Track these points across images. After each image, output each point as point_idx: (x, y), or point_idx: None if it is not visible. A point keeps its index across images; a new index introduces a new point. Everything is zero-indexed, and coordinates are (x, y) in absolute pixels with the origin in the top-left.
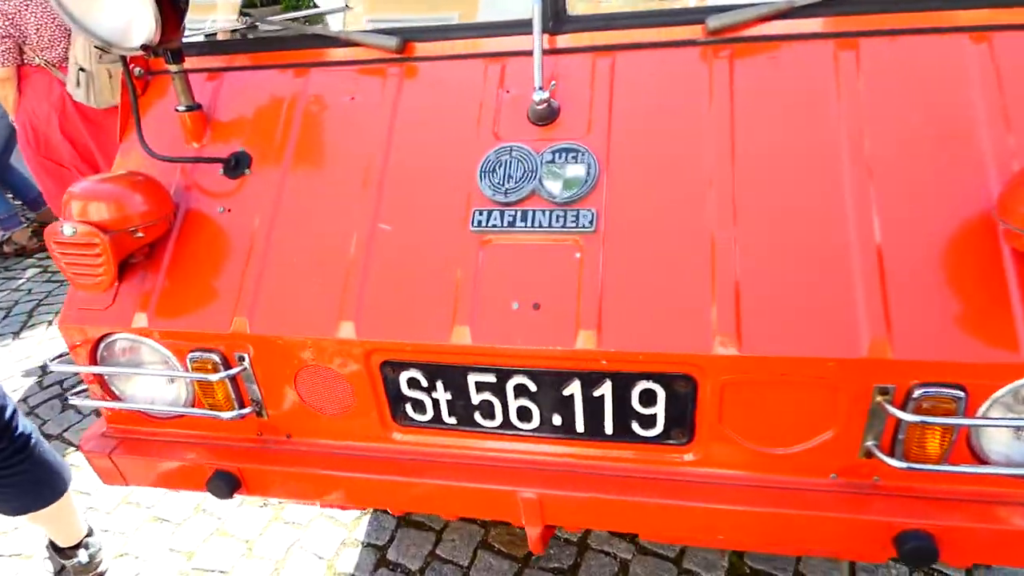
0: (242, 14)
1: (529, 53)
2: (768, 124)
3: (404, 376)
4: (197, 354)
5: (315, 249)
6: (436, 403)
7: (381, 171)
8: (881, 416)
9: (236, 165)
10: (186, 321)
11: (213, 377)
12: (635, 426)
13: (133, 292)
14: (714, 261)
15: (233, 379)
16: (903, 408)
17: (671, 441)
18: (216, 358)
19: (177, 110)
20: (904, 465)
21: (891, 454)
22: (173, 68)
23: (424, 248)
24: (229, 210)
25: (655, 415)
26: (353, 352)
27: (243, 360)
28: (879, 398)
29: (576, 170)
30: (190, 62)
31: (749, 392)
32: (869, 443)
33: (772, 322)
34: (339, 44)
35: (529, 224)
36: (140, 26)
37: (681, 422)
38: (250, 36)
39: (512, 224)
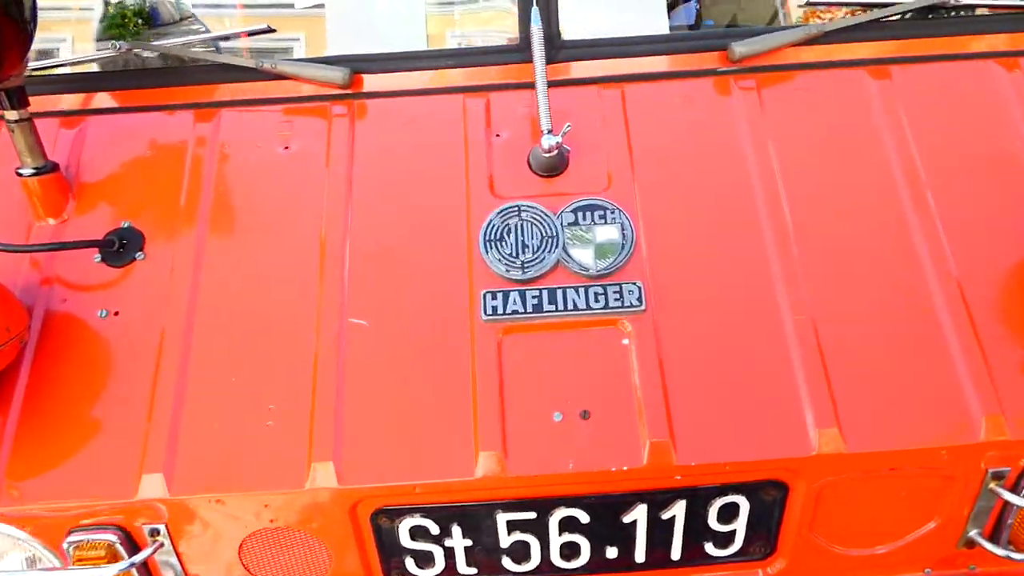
0: (110, 37)
1: (513, 86)
2: (814, 164)
3: (406, 525)
4: (81, 536)
5: (260, 361)
6: (450, 552)
7: (341, 245)
8: (990, 502)
9: (122, 248)
10: (59, 487)
11: (110, 570)
12: (708, 546)
13: None
14: (795, 343)
15: (144, 564)
16: (1015, 491)
17: (750, 557)
18: (113, 538)
19: (19, 174)
20: (1006, 553)
21: (994, 542)
22: (11, 116)
23: (420, 348)
24: (117, 313)
25: (734, 531)
26: (332, 505)
27: (158, 536)
28: (992, 483)
29: (608, 233)
30: (36, 103)
31: (846, 491)
32: (972, 532)
33: (873, 412)
34: (263, 77)
35: (561, 307)
36: None
37: (764, 534)
38: (127, 67)
39: (539, 308)
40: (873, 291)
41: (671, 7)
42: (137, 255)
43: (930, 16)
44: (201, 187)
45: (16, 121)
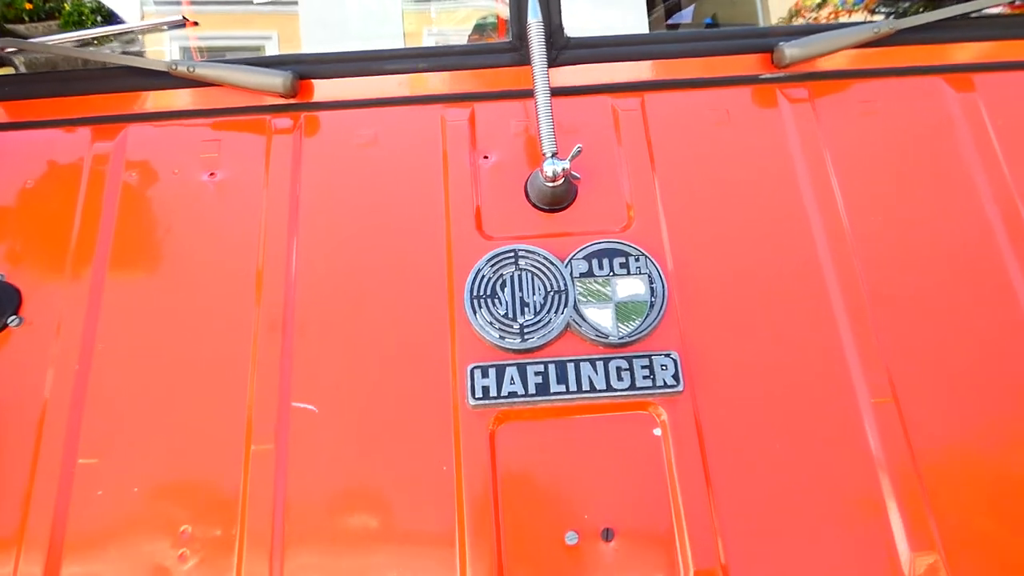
0: None
1: (504, 95)
2: (886, 196)
3: None
4: None
5: (172, 463)
6: None
7: (282, 303)
8: None
9: None
10: None
11: None
12: None
13: None
14: (875, 436)
15: None
16: None
17: None
18: None
19: None
20: None
21: None
22: None
23: (387, 443)
24: None
25: None
26: None
27: None
28: None
29: (631, 287)
30: None
31: None
32: None
33: (980, 535)
34: (180, 83)
35: (572, 387)
36: None
37: None
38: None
39: (544, 389)
40: (974, 364)
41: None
42: (10, 320)
43: None
44: (98, 227)
45: None
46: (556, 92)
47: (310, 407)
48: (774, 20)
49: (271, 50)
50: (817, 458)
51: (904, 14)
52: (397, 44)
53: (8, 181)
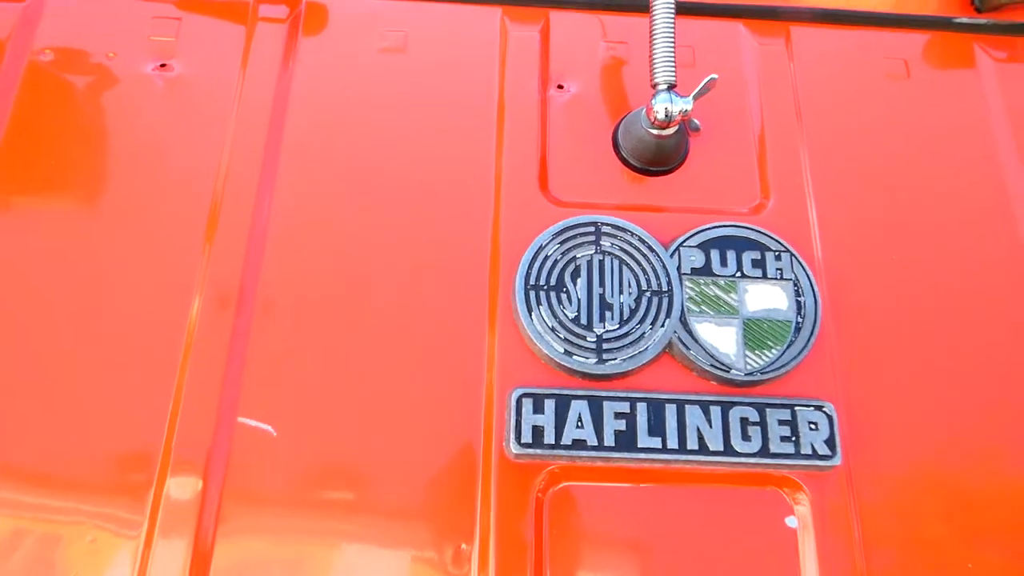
0: None
1: (588, 3)
2: None
3: None
4: None
5: (42, 509)
6: None
7: (242, 265)
8: None
9: None
10: None
11: None
12: None
13: None
14: None
15: None
16: None
17: None
18: None
19: None
20: None
21: None
22: None
23: (373, 499)
24: None
25: None
26: None
27: None
28: None
29: (770, 297)
30: None
31: None
32: None
33: None
34: None
35: (672, 443)
36: None
37: None
38: None
39: (628, 443)
40: None
41: None
42: None
43: None
44: None
45: None
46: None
47: (265, 427)
48: None
49: None
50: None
51: None
52: None
53: None
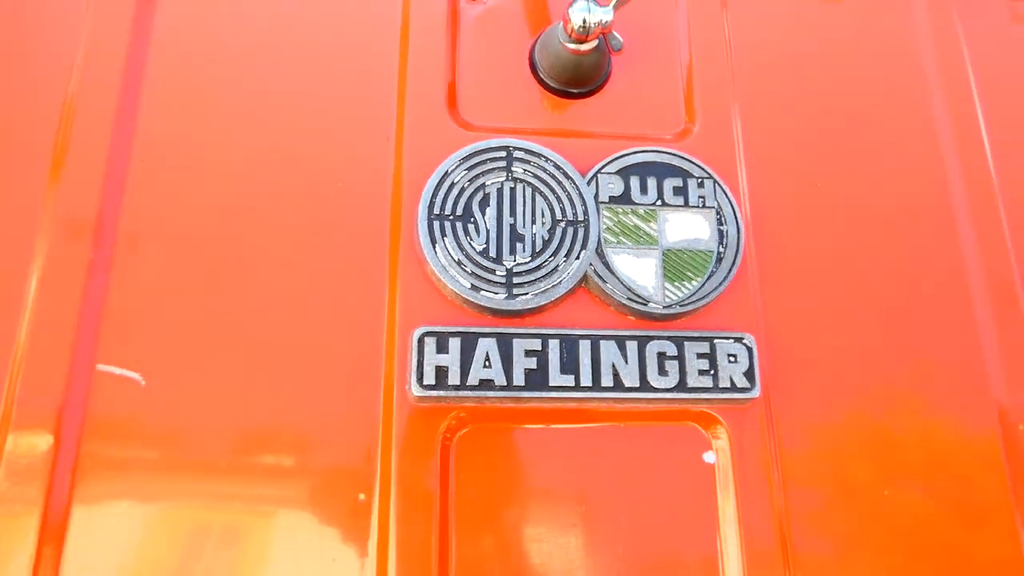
0: None
1: None
2: None
3: None
4: None
5: None
6: None
7: (101, 185)
8: None
9: None
10: None
11: None
12: None
13: None
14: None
15: None
16: None
17: None
18: None
19: None
20: None
21: None
22: None
23: (259, 447)
24: None
25: None
26: None
27: None
28: None
29: (691, 226)
30: None
31: None
32: None
33: None
34: None
35: (586, 380)
36: None
37: None
38: None
39: (539, 381)
40: None
41: None
42: None
43: None
44: None
45: None
46: None
47: (131, 374)
48: None
49: None
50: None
51: None
52: None
53: None
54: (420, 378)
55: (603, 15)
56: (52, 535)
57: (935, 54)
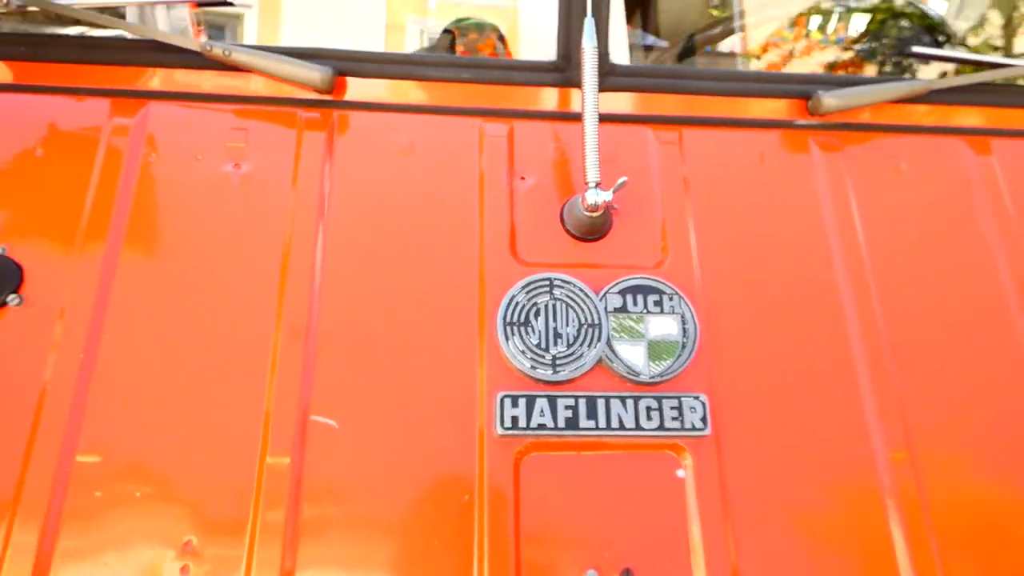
0: None
1: (544, 115)
2: (909, 250)
3: None
4: None
5: (179, 470)
6: None
7: (305, 310)
8: None
9: None
10: None
11: None
12: None
13: None
14: (891, 490)
15: None
16: None
17: None
18: None
19: None
20: None
21: None
22: None
23: (409, 464)
24: None
25: None
26: None
27: None
28: None
29: (664, 326)
30: None
31: None
32: None
33: None
34: (211, 64)
35: (602, 423)
36: None
37: None
38: (22, 30)
39: (573, 424)
40: (982, 417)
41: None
42: (10, 298)
43: None
44: (112, 207)
45: None
46: (600, 118)
47: (330, 422)
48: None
49: (251, 18)
50: (832, 507)
51: (873, 55)
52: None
53: (17, 147)
54: (501, 423)
55: (606, 196)
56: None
57: (828, 193)
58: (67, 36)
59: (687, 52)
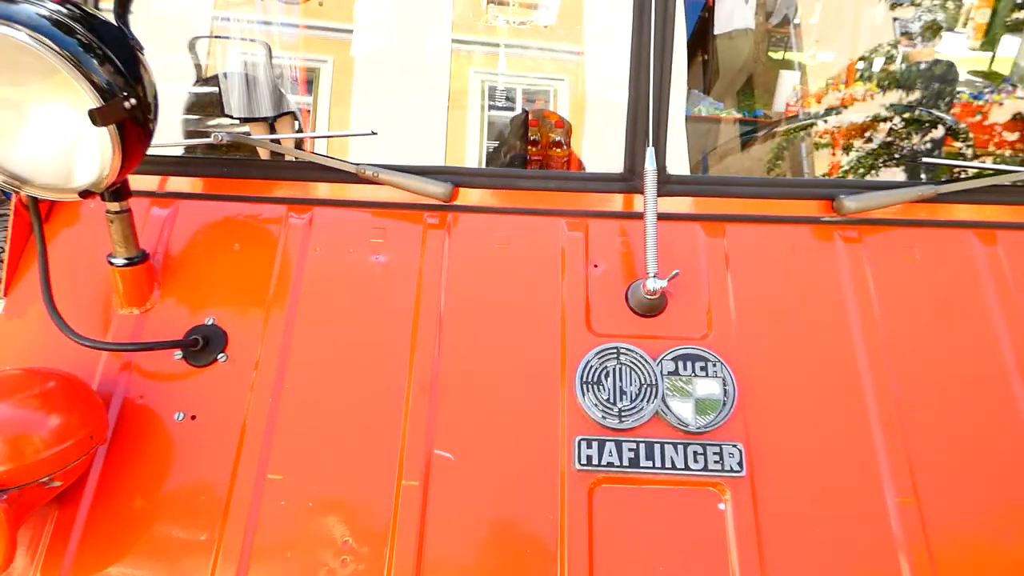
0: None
1: (614, 215)
2: (920, 327)
3: None
4: None
5: (340, 487)
6: None
7: (431, 367)
8: None
9: (204, 347)
10: None
11: None
12: None
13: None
14: (899, 529)
15: None
16: None
17: None
18: None
19: (111, 263)
20: None
21: None
22: (112, 207)
23: (508, 489)
24: (194, 417)
25: None
26: None
27: None
28: None
29: (709, 387)
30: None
31: None
32: None
33: None
34: (359, 180)
35: (658, 463)
36: (91, 165)
37: None
38: (224, 156)
39: (635, 463)
40: (982, 475)
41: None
42: (219, 356)
43: None
44: (289, 288)
45: (116, 212)
46: (659, 217)
47: (448, 455)
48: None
49: (326, 73)
50: (846, 536)
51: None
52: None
53: (220, 241)
54: (578, 460)
55: (662, 284)
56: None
57: (850, 281)
58: (256, 160)
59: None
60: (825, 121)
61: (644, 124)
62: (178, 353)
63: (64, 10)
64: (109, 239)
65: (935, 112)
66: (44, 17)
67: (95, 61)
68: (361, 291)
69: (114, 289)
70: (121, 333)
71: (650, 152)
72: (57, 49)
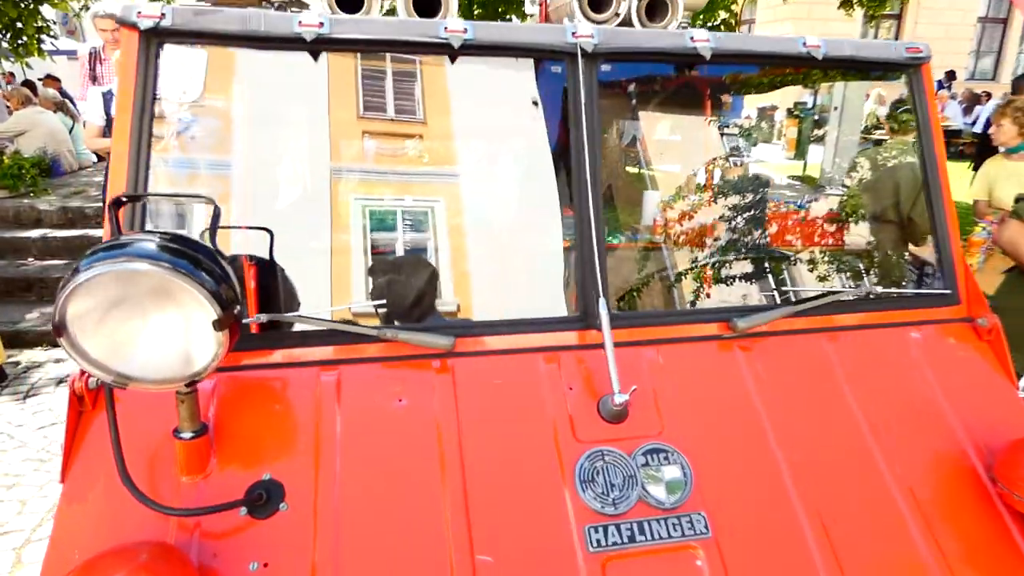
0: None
1: (577, 347)
2: (801, 408)
3: None
4: None
5: None
6: None
7: (462, 489)
8: None
9: (266, 500)
10: None
11: None
12: None
13: None
14: (816, 553)
15: None
16: None
17: None
18: None
19: (179, 437)
20: None
21: None
22: (183, 388)
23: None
24: (266, 564)
25: None
26: None
27: None
28: None
29: (673, 472)
30: None
31: None
32: None
33: None
34: (378, 340)
35: (649, 537)
36: (203, 359)
37: None
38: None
39: (632, 539)
40: (855, 503)
41: None
42: (280, 506)
43: (870, 296)
44: (330, 437)
45: (187, 392)
46: (599, 346)
47: (488, 559)
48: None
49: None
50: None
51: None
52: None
53: (266, 404)
54: (591, 545)
55: (625, 397)
56: None
57: (753, 383)
58: (293, 331)
59: None
60: (695, 257)
61: (592, 277)
62: (243, 509)
63: (175, 243)
64: (176, 416)
65: (771, 250)
66: (165, 249)
67: (211, 279)
68: (390, 431)
69: (177, 461)
70: (187, 499)
71: (603, 301)
72: (184, 273)
